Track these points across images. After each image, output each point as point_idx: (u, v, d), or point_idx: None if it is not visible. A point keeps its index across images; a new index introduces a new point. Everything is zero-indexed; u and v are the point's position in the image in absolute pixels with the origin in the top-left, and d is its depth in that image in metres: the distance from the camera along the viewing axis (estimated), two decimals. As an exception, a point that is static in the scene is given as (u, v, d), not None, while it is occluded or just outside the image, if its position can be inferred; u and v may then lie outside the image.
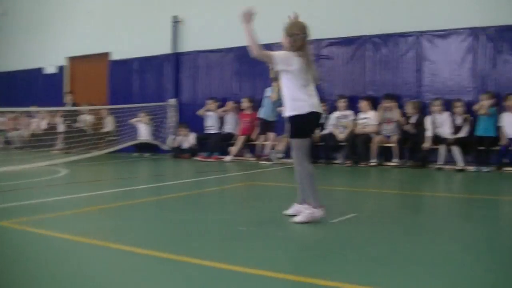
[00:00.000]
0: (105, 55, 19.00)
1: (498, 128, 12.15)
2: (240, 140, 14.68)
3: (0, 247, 5.34)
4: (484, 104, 12.02)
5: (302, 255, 4.96)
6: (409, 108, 12.94)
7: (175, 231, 5.94)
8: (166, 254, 4.83)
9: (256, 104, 15.03)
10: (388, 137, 13.06)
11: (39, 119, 19.26)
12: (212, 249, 5.07)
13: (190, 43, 17.11)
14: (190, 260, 4.61)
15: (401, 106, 13.28)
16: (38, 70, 21.18)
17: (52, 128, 18.40)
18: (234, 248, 5.11)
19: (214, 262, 4.51)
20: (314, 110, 6.24)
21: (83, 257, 4.90)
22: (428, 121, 12.59)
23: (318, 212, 6.25)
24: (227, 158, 14.48)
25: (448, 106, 12.73)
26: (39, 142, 16.51)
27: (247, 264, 4.46)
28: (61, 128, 18.09)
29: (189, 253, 4.83)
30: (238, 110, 15.49)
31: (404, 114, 13.12)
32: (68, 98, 18.91)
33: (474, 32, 12.77)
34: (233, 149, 14.61)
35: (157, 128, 17.10)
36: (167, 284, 4.07)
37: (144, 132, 16.81)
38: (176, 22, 17.30)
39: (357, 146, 13.15)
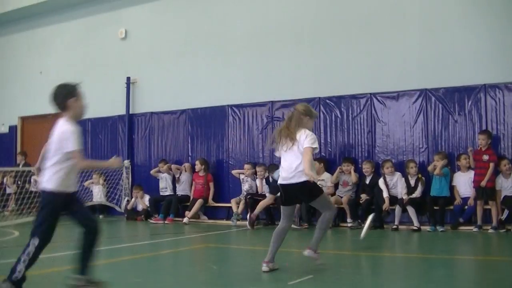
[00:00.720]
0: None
1: (451, 188, 12.29)
2: (197, 203, 14.52)
3: None
4: (437, 165, 12.16)
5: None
6: (367, 167, 13.00)
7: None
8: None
9: (210, 165, 15.04)
10: (341, 197, 13.06)
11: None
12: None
13: (144, 104, 17.06)
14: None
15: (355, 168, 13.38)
16: (-11, 130, 20.83)
17: (2, 189, 18.02)
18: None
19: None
20: None
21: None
22: (381, 182, 12.67)
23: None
24: (185, 219, 14.30)
25: (401, 166, 12.86)
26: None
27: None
28: (12, 189, 17.74)
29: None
30: (192, 171, 15.39)
31: (360, 174, 13.18)
32: (19, 158, 18.60)
33: (425, 93, 12.99)
34: (189, 212, 14.45)
35: (111, 190, 16.87)
36: None
37: (98, 194, 16.57)
38: (130, 83, 17.27)
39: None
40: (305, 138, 6.94)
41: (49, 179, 5.44)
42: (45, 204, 5.45)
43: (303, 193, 7.06)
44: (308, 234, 11.82)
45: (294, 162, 6.94)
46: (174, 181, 15.52)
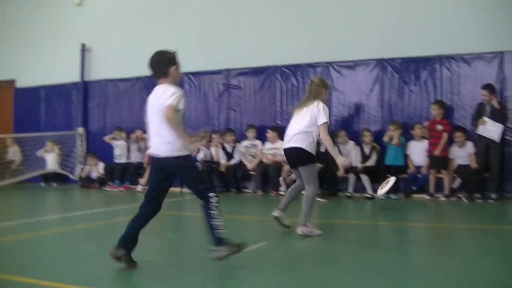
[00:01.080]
0: (10, 82, 18.46)
1: (405, 157, 12.42)
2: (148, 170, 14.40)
3: None
4: (393, 135, 12.25)
5: (210, 284, 4.86)
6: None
7: (83, 263, 5.74)
8: (73, 287, 4.67)
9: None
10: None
11: None
12: (119, 281, 4.93)
13: (99, 72, 16.84)
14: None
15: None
16: None
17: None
18: (143, 278, 4.98)
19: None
20: None
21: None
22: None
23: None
24: (138, 187, 14.22)
25: (356, 135, 12.94)
26: None
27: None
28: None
29: (97, 285, 4.69)
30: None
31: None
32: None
33: (381, 63, 13.06)
34: (143, 179, 14.35)
35: (65, 157, 16.67)
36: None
37: (51, 162, 16.35)
38: (84, 49, 17.01)
39: (268, 176, 13.17)
40: (318, 113, 7.27)
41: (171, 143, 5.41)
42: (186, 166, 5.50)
43: (297, 157, 7.35)
44: (263, 201, 11.88)
45: (295, 128, 7.39)
46: (129, 148, 15.37)
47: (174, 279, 4.98)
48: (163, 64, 5.70)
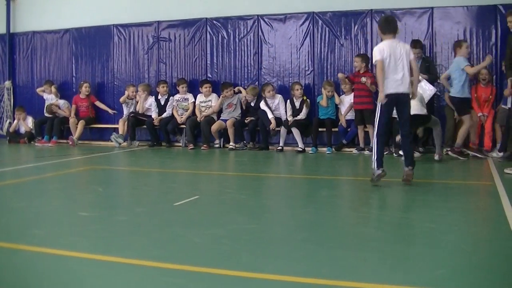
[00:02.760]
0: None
1: (337, 110, 12.58)
2: (80, 124, 14.23)
3: None
4: (326, 94, 12.36)
5: (144, 239, 4.88)
6: (249, 95, 13.05)
7: (11, 219, 5.69)
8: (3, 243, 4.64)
9: (94, 88, 14.79)
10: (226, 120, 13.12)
11: None
12: (54, 236, 4.92)
13: (26, 23, 16.39)
14: (27, 248, 4.45)
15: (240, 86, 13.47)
16: None
17: None
18: (76, 235, 4.98)
19: (54, 249, 4.37)
20: None
21: None
22: (262, 104, 12.78)
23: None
24: (70, 142, 14.03)
25: (287, 89, 13.03)
26: None
27: (86, 250, 4.38)
28: None
29: (28, 241, 4.66)
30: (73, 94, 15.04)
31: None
32: None
33: (312, 16, 13.11)
34: (75, 134, 14.15)
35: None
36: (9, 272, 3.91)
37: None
38: (10, 0, 16.52)
39: (199, 129, 13.18)
40: None
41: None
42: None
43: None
44: (194, 155, 11.90)
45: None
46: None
47: (108, 237, 4.99)
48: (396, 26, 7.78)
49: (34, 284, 3.73)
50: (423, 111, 9.98)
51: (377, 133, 7.58)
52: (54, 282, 3.74)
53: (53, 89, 15.09)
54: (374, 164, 7.46)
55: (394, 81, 7.44)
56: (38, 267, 4.03)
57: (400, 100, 7.53)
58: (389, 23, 7.79)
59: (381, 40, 7.82)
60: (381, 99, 7.48)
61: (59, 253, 4.30)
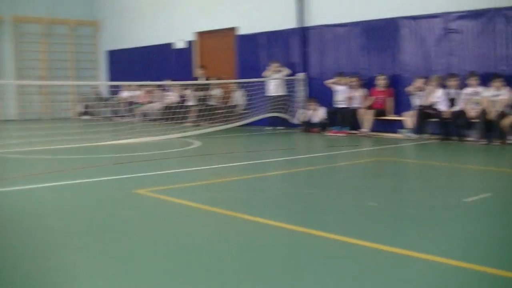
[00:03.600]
0: (232, 30, 19.23)
1: None
2: (371, 115, 14.46)
3: (135, 212, 5.68)
4: None
5: (431, 233, 4.86)
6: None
7: (304, 205, 6.01)
8: (295, 226, 4.91)
9: (390, 80, 14.85)
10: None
11: (172, 93, 19.79)
12: (342, 224, 5.10)
13: (317, 17, 16.99)
14: (318, 233, 4.67)
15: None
16: (168, 45, 21.77)
17: (184, 101, 18.88)
18: (363, 224, 5.11)
19: (345, 237, 4.53)
20: None
21: (209, 224, 5.14)
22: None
23: None
24: (361, 131, 14.33)
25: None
26: (172, 115, 17.04)
27: (372, 239, 4.47)
28: (192, 101, 18.53)
29: (319, 227, 4.89)
30: (367, 85, 15.27)
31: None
32: (199, 72, 19.24)
33: None
34: (366, 125, 14.43)
35: (287, 102, 17.16)
36: (292, 255, 4.15)
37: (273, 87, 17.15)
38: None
39: (491, 124, 12.66)
40: None
41: None
42: None
43: None
44: (486, 151, 11.52)
45: None
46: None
47: (396, 228, 5.06)
48: None
49: (318, 268, 3.91)
50: None
51: None
52: (341, 269, 3.88)
53: (349, 80, 15.44)
54: None
55: None
56: (327, 252, 4.22)
57: None
58: None
59: None
60: None
61: (346, 240, 4.45)
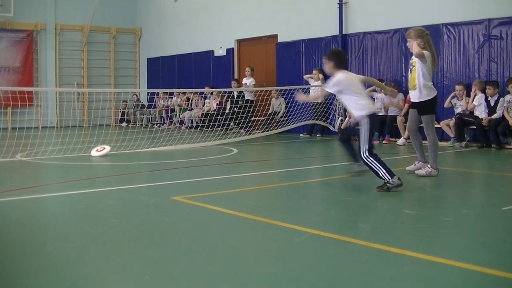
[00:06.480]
0: (272, 37, 19.31)
1: None
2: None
3: (173, 218, 5.74)
4: None
5: (468, 242, 4.84)
6: None
7: (340, 212, 6.02)
8: (332, 234, 4.92)
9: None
10: None
11: (211, 100, 19.92)
12: (379, 232, 5.10)
13: (357, 25, 16.98)
14: (354, 241, 4.68)
15: None
16: (208, 53, 21.94)
17: (223, 108, 18.99)
18: (400, 232, 5.11)
19: (382, 245, 4.53)
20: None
21: (245, 232, 5.18)
22: None
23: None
24: (400, 141, 14.25)
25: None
26: (211, 122, 17.16)
27: (408, 247, 4.45)
28: (231, 109, 18.63)
29: (355, 235, 4.90)
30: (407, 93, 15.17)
31: None
32: (247, 73, 19.05)
33: None
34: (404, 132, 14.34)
35: (326, 109, 17.15)
36: (330, 262, 4.15)
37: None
38: (342, 3, 17.22)
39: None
40: None
41: None
42: None
43: None
44: None
45: None
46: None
47: (432, 236, 5.04)
48: None
49: (356, 276, 3.92)
50: None
51: None
52: (378, 276, 3.88)
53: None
54: None
55: None
56: (363, 260, 4.22)
57: None
58: None
59: None
60: None
61: (383, 248, 4.44)
